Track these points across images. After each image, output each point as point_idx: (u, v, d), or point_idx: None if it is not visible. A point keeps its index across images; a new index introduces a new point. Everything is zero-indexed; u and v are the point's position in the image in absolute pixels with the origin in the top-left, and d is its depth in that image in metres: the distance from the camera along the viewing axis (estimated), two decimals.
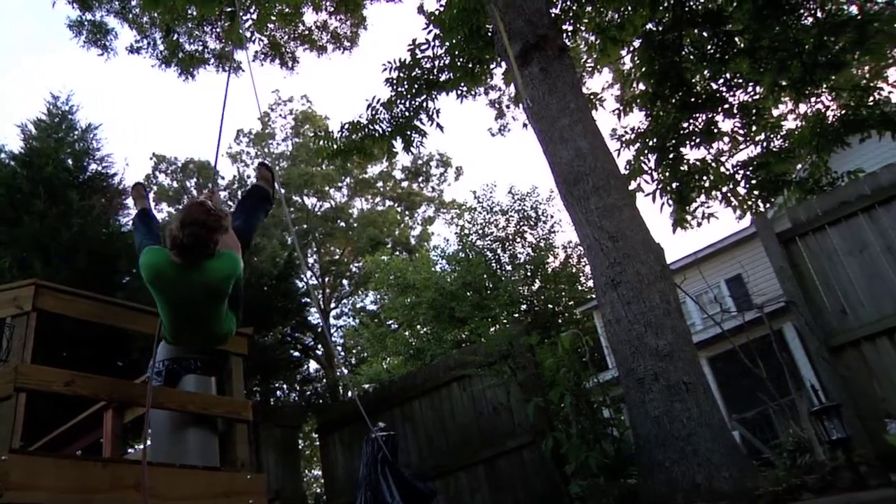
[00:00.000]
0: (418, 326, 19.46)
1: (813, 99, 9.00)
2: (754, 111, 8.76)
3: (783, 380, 6.84)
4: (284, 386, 17.85)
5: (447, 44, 8.62)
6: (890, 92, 8.87)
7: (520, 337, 6.91)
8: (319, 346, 27.00)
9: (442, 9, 8.72)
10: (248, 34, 12.66)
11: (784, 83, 8.74)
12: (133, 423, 5.07)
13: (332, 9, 13.77)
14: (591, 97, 9.18)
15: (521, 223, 20.28)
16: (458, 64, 8.73)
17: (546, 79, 6.37)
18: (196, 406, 4.29)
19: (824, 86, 9.03)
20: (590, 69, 10.66)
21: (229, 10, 10.11)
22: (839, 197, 6.09)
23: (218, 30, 12.44)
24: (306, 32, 14.10)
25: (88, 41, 11.57)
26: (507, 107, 14.45)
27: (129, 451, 7.62)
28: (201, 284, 3.50)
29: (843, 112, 8.85)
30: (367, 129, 9.57)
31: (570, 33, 8.84)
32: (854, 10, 11.50)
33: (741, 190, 8.69)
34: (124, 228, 10.38)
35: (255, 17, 10.64)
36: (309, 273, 29.79)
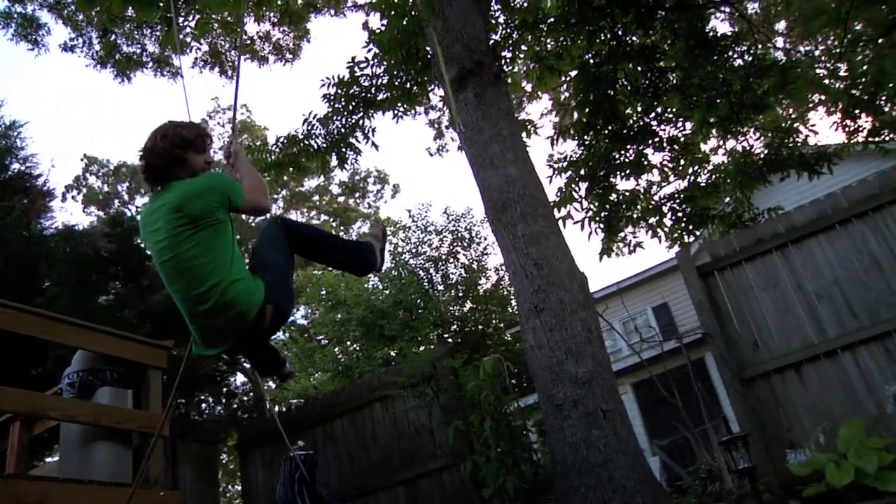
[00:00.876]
0: (348, 343, 19.31)
1: (739, 137, 9.36)
2: (683, 146, 9.06)
3: (704, 407, 7.04)
4: (210, 399, 17.45)
5: (386, 63, 8.65)
6: (807, 136, 9.28)
7: (443, 359, 6.94)
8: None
9: (383, 28, 8.75)
10: (187, 40, 12.51)
11: (713, 120, 9.07)
12: (49, 435, 4.91)
13: (276, 20, 13.71)
14: (527, 123, 9.34)
15: (455, 244, 20.39)
16: (397, 84, 8.77)
17: (480, 105, 6.45)
18: (110, 420, 4.19)
19: (750, 125, 9.42)
20: (529, 95, 10.84)
21: (169, 15, 9.96)
22: (756, 234, 6.33)
23: (158, 33, 12.23)
24: (248, 42, 13.98)
25: (18, 35, 11.23)
26: (447, 127, 14.58)
27: (40, 464, 7.32)
28: (163, 205, 2.90)
29: (766, 151, 9.23)
30: (302, 144, 9.51)
31: (508, 60, 8.96)
32: (780, 55, 12.03)
33: (668, 221, 8.94)
34: (46, 231, 10.05)
35: (194, 24, 10.48)
36: None
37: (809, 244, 6.08)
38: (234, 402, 18.80)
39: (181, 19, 10.27)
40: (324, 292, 20.46)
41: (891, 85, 12.63)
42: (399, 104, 9.00)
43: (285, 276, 3.17)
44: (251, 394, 22.22)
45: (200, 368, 11.30)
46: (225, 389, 18.40)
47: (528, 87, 12.14)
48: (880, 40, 15.67)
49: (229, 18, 11.83)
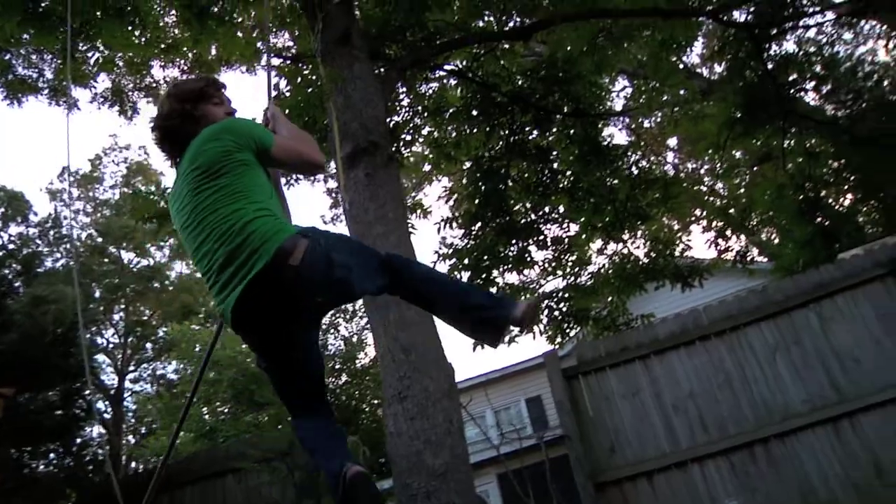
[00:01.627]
0: (217, 404, 18.53)
1: (621, 243, 9.78)
2: (567, 246, 9.37)
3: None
4: (60, 449, 16.30)
5: None
6: (684, 249, 9.78)
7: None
8: (110, 409, 25.07)
9: (287, 94, 8.76)
10: (89, 72, 12.10)
11: (598, 224, 9.46)
12: None
13: (187, 68, 13.48)
14: (418, 206, 9.47)
15: (338, 314, 20.14)
16: None
17: (370, 184, 6.48)
18: None
19: (632, 233, 9.87)
20: (425, 177, 11.03)
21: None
22: (622, 342, 6.55)
23: (58, 62, 11.79)
24: (153, 85, 13.68)
25: None
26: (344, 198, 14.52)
27: None
28: (181, 172, 2.56)
29: (645, 260, 9.66)
30: None
31: (407, 142, 9.12)
32: (670, 168, 12.75)
33: (544, 319, 9.13)
34: None
35: (93, 61, 10.19)
36: (111, 331, 27.89)
37: (670, 357, 6.34)
38: (85, 455, 17.58)
39: (86, 51, 9.98)
40: (198, 348, 19.69)
41: (759, 211, 13.66)
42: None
43: (350, 245, 2.54)
44: (107, 447, 20.90)
45: (47, 419, 10.60)
46: (79, 440, 17.24)
47: (427, 169, 12.35)
48: (755, 168, 16.98)
49: (136, 60, 11.58)
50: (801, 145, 10.13)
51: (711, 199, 19.94)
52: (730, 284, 13.60)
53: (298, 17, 9.44)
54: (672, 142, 20.39)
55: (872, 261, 6.32)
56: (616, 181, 9.21)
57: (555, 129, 9.21)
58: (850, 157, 11.04)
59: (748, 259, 10.62)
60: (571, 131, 9.06)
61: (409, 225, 9.57)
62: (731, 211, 17.61)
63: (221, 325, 3.12)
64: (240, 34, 9.98)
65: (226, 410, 18.07)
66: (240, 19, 10.08)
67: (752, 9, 8.78)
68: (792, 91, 9.82)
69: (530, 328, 2.58)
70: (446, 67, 8.92)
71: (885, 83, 13.04)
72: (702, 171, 21.63)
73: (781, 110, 9.08)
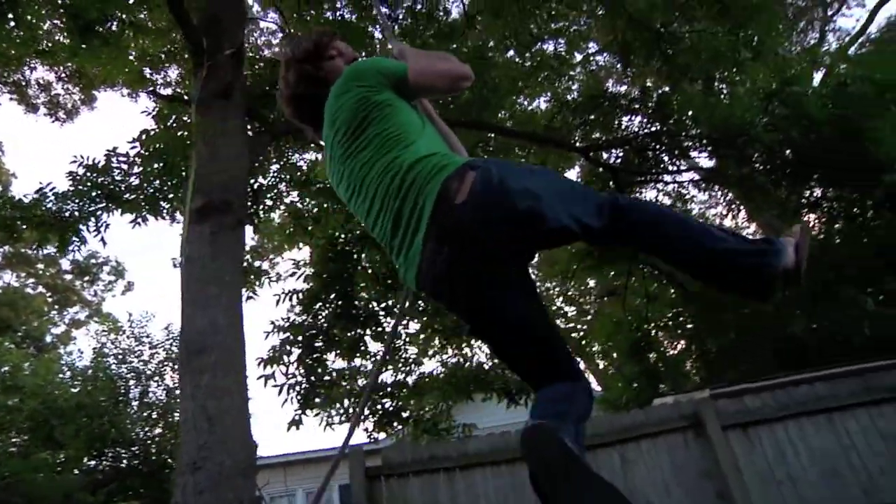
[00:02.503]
0: (12, 434, 16.91)
1: (457, 349, 9.92)
2: (404, 342, 9.41)
3: None
4: None
5: (144, 168, 8.35)
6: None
7: (78, 492, 6.24)
8: None
9: (157, 131, 8.53)
10: None
11: (437, 327, 9.56)
12: None
13: (66, 76, 12.86)
14: (263, 273, 9.32)
15: (165, 363, 19.11)
16: (147, 192, 8.43)
17: (214, 242, 6.30)
18: None
19: (469, 340, 10.03)
20: (277, 246, 10.89)
21: None
22: (430, 451, 6.53)
23: None
24: (22, 83, 12.95)
25: None
26: None
27: None
28: (326, 128, 2.30)
29: (477, 370, 9.81)
30: (29, 212, 8.72)
31: (268, 207, 9.02)
32: None
33: (367, 410, 9.02)
34: None
35: None
36: None
37: (475, 474, 6.35)
38: None
39: None
40: (4, 370, 18.05)
41: (598, 341, 14.30)
42: (143, 210, 8.61)
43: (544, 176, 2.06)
44: None
45: None
46: None
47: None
48: (605, 298, 17.84)
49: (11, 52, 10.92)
50: (644, 287, 10.76)
51: (559, 321, 20.67)
52: None
53: (186, 59, 9.32)
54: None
55: (678, 412, 6.66)
56: None
57: None
58: (683, 305, 11.81)
59: None
60: None
61: (252, 290, 9.41)
62: (574, 335, 18.35)
63: (407, 296, 2.80)
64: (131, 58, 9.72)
65: (18, 442, 16.52)
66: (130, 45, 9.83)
67: (620, 154, 9.43)
68: None
69: (799, 280, 1.99)
70: (321, 143, 8.92)
71: None
72: (554, 292, 22.54)
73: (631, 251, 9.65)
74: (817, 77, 11.32)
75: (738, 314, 9.71)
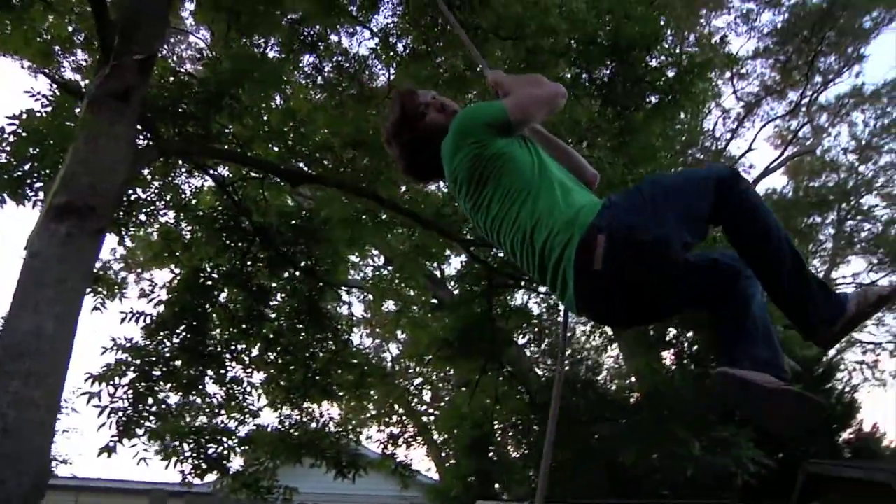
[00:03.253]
0: None
1: (296, 410, 9.69)
2: (244, 390, 9.09)
3: None
4: None
5: (16, 149, 7.83)
6: (354, 439, 9.86)
7: None
8: None
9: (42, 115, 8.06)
10: None
11: (282, 382, 9.32)
12: None
13: None
14: (121, 286, 8.89)
15: None
16: (12, 174, 7.89)
17: (66, 244, 5.94)
18: None
19: (312, 404, 9.82)
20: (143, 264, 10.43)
21: None
22: None
23: None
24: None
25: None
26: None
27: None
28: (449, 182, 2.37)
29: (313, 434, 9.57)
30: None
31: (140, 222, 8.65)
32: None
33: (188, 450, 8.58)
34: None
35: None
36: None
37: None
38: None
39: None
40: None
41: (442, 430, 14.28)
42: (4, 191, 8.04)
43: (661, 195, 2.01)
44: None
45: None
46: None
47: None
48: (462, 388, 17.92)
49: None
50: (494, 387, 10.88)
51: (416, 403, 20.53)
52: (389, 487, 13.73)
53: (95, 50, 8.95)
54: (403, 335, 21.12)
55: None
56: (320, 351, 9.26)
57: (286, 276, 9.20)
58: (529, 412, 11.98)
59: (408, 471, 10.86)
60: (298, 286, 9.10)
61: (103, 301, 8.90)
62: (424, 419, 18.24)
63: (567, 315, 2.76)
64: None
65: None
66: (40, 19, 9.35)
67: (500, 255, 9.63)
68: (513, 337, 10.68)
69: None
70: (211, 172, 8.73)
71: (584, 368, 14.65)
72: (413, 372, 22.45)
73: (489, 350, 9.78)
74: None
75: (580, 432, 9.95)
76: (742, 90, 23.17)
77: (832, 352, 20.75)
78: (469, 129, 2.22)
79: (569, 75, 7.94)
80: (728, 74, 21.94)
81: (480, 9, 8.06)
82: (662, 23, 8.05)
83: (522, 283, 9.70)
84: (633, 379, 14.96)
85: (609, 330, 10.72)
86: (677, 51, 9.19)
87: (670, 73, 7.62)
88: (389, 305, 12.87)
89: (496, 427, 12.18)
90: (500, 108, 2.23)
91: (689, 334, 10.02)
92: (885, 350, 24.74)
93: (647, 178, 2.22)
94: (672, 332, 10.58)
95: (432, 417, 17.85)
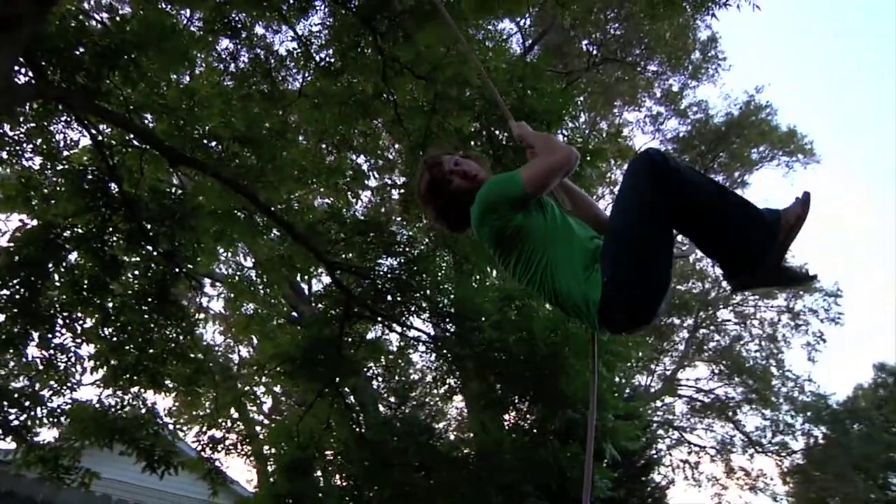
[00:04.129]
0: None
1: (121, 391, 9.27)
2: (71, 360, 8.61)
3: None
4: None
5: None
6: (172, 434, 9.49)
7: None
8: None
9: None
10: None
11: (114, 362, 8.90)
12: None
13: None
14: None
15: None
16: None
17: None
18: None
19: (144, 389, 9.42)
20: None
21: None
22: (15, 486, 5.89)
23: None
24: None
25: None
26: None
27: None
28: (477, 235, 2.73)
29: (129, 421, 9.14)
30: None
31: (2, 158, 8.17)
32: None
33: None
34: None
35: None
36: None
37: None
38: None
39: None
40: None
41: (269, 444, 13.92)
42: None
43: (631, 246, 2.36)
44: None
45: None
46: None
47: None
48: (302, 407, 17.60)
49: None
50: (327, 413, 10.72)
51: (254, 412, 19.99)
52: (198, 490, 13.22)
53: None
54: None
55: None
56: (160, 337, 8.91)
57: (143, 253, 8.83)
58: (354, 445, 11.88)
59: (220, 478, 10.50)
60: (153, 268, 8.77)
61: None
62: (259, 428, 17.73)
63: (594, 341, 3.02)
64: None
65: None
66: None
67: (365, 284, 9.62)
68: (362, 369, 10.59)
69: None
70: (91, 129, 8.34)
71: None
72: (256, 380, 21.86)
73: (330, 375, 9.68)
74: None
75: (408, 475, 9.94)
76: None
77: (660, 446, 21.84)
78: (492, 207, 2.54)
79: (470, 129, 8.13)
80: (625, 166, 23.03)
81: (403, 42, 8.17)
82: (569, 104, 8.39)
83: (380, 319, 9.71)
84: (471, 434, 15.17)
85: (453, 381, 10.84)
86: (579, 138, 9.54)
87: None
88: (250, 307, 12.62)
89: (327, 454, 11.98)
90: (518, 184, 2.52)
91: (527, 403, 10.23)
92: (707, 454, 26.21)
93: (607, 236, 2.49)
94: (514, 397, 10.78)
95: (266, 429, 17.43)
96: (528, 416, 11.02)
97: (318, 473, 12.45)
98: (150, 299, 8.79)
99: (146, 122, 9.12)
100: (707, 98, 28.69)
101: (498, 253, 2.64)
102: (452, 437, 16.75)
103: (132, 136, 8.64)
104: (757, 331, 25.68)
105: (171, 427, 9.93)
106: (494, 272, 9.44)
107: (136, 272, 9.12)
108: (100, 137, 8.62)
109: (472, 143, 8.03)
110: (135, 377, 9.02)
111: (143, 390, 9.44)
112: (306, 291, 17.30)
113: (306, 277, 14.24)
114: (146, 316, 8.88)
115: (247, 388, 14.88)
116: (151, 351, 9.04)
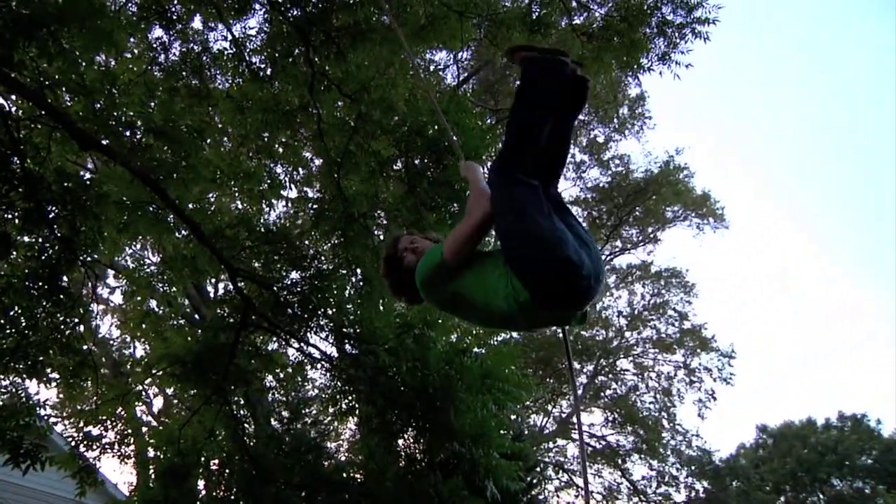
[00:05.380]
0: None
1: None
2: None
3: None
4: None
5: None
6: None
7: None
8: None
9: None
10: None
11: None
12: None
13: None
14: None
15: None
16: None
17: None
18: None
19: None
20: None
21: None
22: None
23: None
24: None
25: None
26: None
27: None
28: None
29: None
30: None
31: None
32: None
33: None
34: None
35: None
36: None
37: None
38: None
39: None
40: None
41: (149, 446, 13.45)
42: None
43: (511, 233, 2.71)
44: None
45: None
46: None
47: None
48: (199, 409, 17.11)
49: None
50: (212, 421, 10.43)
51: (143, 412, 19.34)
52: (65, 487, 12.61)
53: None
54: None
55: None
56: (45, 324, 8.52)
57: (39, 235, 8.47)
58: (240, 458, 11.61)
59: (91, 477, 10.04)
60: (47, 248, 8.40)
61: None
62: (144, 429, 17.14)
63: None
64: None
65: None
66: None
67: (265, 295, 9.46)
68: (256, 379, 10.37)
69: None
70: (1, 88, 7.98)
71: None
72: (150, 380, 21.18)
73: (219, 382, 9.42)
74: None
75: (280, 491, 9.75)
76: None
77: (549, 488, 22.07)
78: (426, 282, 2.91)
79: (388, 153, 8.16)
80: None
81: (335, 58, 8.17)
82: (492, 143, 8.52)
83: (277, 331, 9.56)
84: (361, 458, 15.01)
85: (345, 403, 10.71)
86: None
87: None
88: (152, 303, 12.24)
89: (212, 463, 11.64)
90: (439, 259, 2.81)
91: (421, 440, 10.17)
92: (594, 499, 26.68)
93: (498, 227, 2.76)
94: (404, 425, 10.72)
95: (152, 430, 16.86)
96: (415, 445, 10.99)
97: (200, 483, 12.12)
98: (39, 283, 8.41)
99: (61, 101, 8.80)
100: (630, 153, 29.69)
101: (452, 313, 3.20)
102: (343, 458, 16.53)
103: (42, 112, 8.31)
104: (653, 383, 26.45)
105: (45, 418, 9.44)
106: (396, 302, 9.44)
107: (29, 254, 8.72)
108: (7, 108, 8.26)
109: (391, 166, 8.06)
110: (12, 363, 8.60)
111: (21, 378, 9.01)
112: (212, 295, 16.94)
113: (212, 280, 13.93)
114: (32, 301, 8.48)
115: (136, 386, 14.42)
116: (33, 337, 8.64)
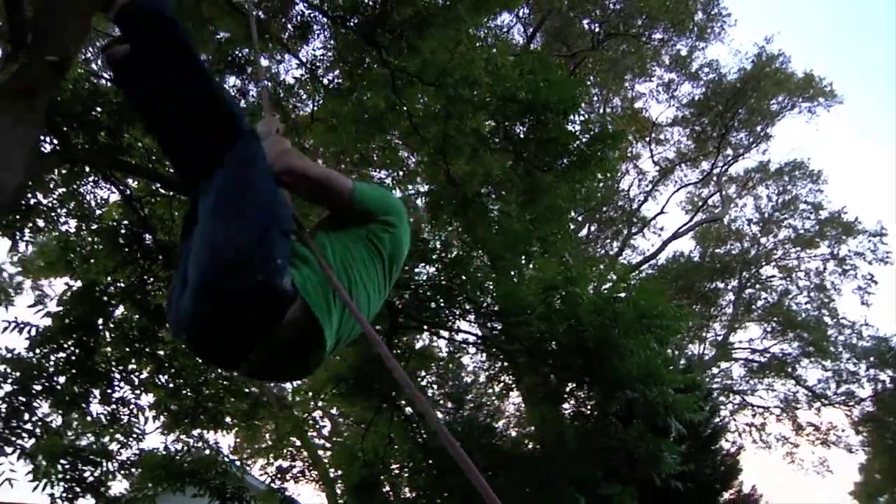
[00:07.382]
0: None
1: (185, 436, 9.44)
2: (132, 412, 8.78)
3: None
4: None
5: None
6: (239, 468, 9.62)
7: None
8: None
9: None
10: None
11: (172, 407, 9.06)
12: None
13: None
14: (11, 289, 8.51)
15: None
16: None
17: None
18: None
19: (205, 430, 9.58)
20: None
21: None
22: None
23: None
24: None
25: None
26: None
27: None
28: None
29: (198, 463, 9.31)
30: None
31: (36, 227, 8.38)
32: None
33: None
34: None
35: None
36: None
37: None
38: None
39: None
40: None
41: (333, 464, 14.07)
42: None
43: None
44: None
45: None
46: None
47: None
48: (361, 426, 17.70)
49: None
50: (387, 428, 10.79)
51: (314, 437, 20.15)
52: None
53: None
54: None
55: None
56: (213, 377, 9.04)
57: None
58: (421, 456, 11.95)
59: None
60: None
61: None
62: (321, 452, 17.91)
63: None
64: None
65: None
66: None
67: (405, 296, 9.68)
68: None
69: None
70: (118, 184, 8.50)
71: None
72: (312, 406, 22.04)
73: (384, 390, 9.73)
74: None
75: (461, 483, 9.95)
76: (659, 154, 24.13)
77: (724, 413, 21.54)
78: None
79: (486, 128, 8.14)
80: (647, 138, 22.81)
81: (408, 54, 8.20)
82: (579, 92, 8.34)
83: (425, 326, 9.74)
84: (532, 429, 15.18)
85: (507, 378, 10.83)
86: (598, 112, 9.49)
87: (584, 139, 7.92)
88: None
89: (393, 468, 12.05)
90: None
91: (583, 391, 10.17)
92: (772, 414, 25.82)
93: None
94: (570, 385, 10.72)
95: (329, 452, 17.59)
96: (586, 402, 10.97)
97: (387, 488, 12.55)
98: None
99: (169, 169, 9.26)
100: (717, 57, 28.38)
101: None
102: (514, 434, 16.71)
103: (158, 184, 8.78)
104: (804, 282, 25.30)
105: (237, 463, 10.04)
106: (531, 265, 9.42)
107: None
108: (128, 191, 8.78)
109: (492, 140, 8.02)
110: (195, 419, 9.18)
111: (205, 431, 9.61)
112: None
113: None
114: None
115: (304, 414, 15.08)
116: (207, 392, 9.18)
